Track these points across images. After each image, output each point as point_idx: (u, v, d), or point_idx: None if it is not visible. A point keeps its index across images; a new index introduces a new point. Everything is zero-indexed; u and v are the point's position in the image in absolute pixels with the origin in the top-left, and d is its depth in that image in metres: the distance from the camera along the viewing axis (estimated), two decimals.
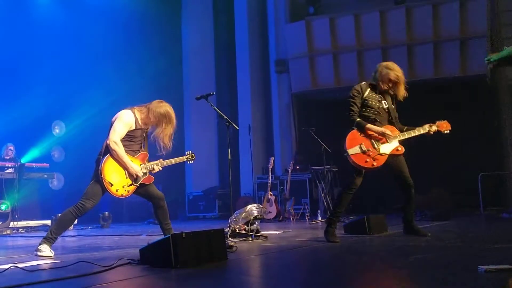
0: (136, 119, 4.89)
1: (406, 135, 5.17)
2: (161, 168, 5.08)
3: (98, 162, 4.80)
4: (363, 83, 5.34)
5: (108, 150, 4.78)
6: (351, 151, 5.07)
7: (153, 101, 5.02)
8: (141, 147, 5.03)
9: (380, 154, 5.07)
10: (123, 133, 4.81)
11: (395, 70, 5.19)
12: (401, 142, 5.17)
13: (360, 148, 5.07)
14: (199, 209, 12.22)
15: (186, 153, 5.45)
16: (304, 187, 10.97)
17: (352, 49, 12.04)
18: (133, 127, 4.88)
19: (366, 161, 5.05)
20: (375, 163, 5.05)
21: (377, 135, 5.11)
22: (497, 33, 11.41)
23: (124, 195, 4.89)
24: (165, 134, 4.89)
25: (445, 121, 5.30)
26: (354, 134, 5.15)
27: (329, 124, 11.22)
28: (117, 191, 4.81)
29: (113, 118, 4.87)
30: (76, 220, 7.07)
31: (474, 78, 11.24)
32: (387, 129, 5.13)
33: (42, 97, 11.29)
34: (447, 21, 11.40)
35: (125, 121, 4.83)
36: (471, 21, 11.22)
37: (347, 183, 5.22)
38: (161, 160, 5.08)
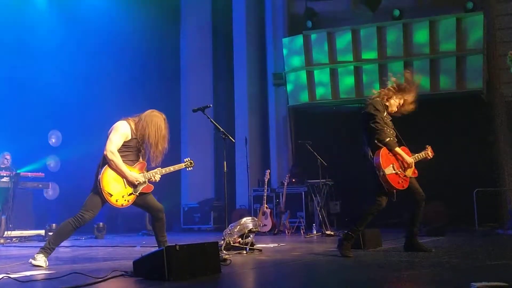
0: (131, 129, 4.95)
1: (416, 159, 5.28)
2: (160, 177, 5.10)
3: (97, 174, 4.81)
4: (376, 99, 5.34)
5: (106, 162, 4.79)
6: (387, 170, 5.03)
7: (146, 110, 5.09)
8: (138, 157, 5.04)
9: (405, 176, 5.13)
10: (119, 143, 4.85)
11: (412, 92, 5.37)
12: None
13: (393, 168, 5.07)
14: (194, 220, 12.17)
15: (185, 160, 5.47)
16: (299, 200, 10.95)
17: (349, 63, 12.10)
18: (129, 137, 4.93)
19: (399, 182, 5.07)
20: (404, 185, 5.11)
21: (401, 159, 5.13)
22: (494, 50, 11.51)
23: (124, 204, 4.90)
24: (154, 143, 4.94)
25: (429, 146, 5.47)
26: (386, 152, 5.10)
27: (325, 138, 11.26)
28: (116, 201, 4.82)
29: (109, 130, 4.92)
30: None
31: (470, 94, 11.31)
32: (410, 160, 5.16)
33: (39, 106, 11.30)
34: (444, 37, 11.50)
35: (121, 131, 4.88)
36: (468, 38, 11.31)
37: (374, 203, 5.12)
38: (160, 168, 5.12)
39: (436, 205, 10.03)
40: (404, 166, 5.13)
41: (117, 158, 4.79)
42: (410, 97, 5.37)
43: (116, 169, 4.80)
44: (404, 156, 5.13)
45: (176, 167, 5.30)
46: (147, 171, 5.05)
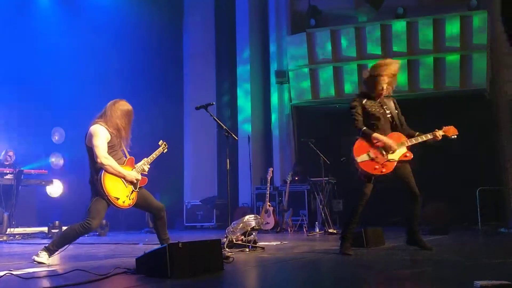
0: (106, 129, 4.89)
1: (414, 141, 5.16)
2: (149, 166, 5.12)
3: (93, 183, 4.77)
4: (356, 94, 5.43)
5: (99, 168, 4.75)
6: (359, 158, 5.04)
7: (107, 105, 5.04)
8: (123, 154, 5.04)
9: (389, 161, 5.04)
10: (106, 146, 4.80)
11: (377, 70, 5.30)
12: (409, 148, 5.18)
13: (368, 155, 5.04)
14: (196, 218, 12.16)
15: (159, 143, 5.41)
16: (302, 198, 10.94)
17: (353, 61, 12.08)
18: (109, 137, 4.87)
19: (375, 168, 5.01)
20: (384, 170, 5.02)
21: (383, 144, 5.08)
22: (497, 48, 11.47)
23: (130, 204, 4.91)
24: (129, 129, 5.00)
25: (452, 126, 5.30)
26: (361, 142, 5.12)
27: (328, 136, 11.25)
28: (124, 202, 4.82)
29: (87, 140, 4.85)
30: None
31: (474, 93, 11.29)
32: (391, 139, 5.10)
33: (42, 104, 11.31)
34: (448, 35, 11.46)
35: (102, 135, 4.82)
36: (472, 36, 11.28)
37: (358, 195, 5.14)
38: (145, 158, 5.14)
39: (439, 203, 10.02)
40: (385, 149, 5.05)
41: (112, 162, 4.76)
42: (388, 69, 5.30)
43: (113, 172, 4.76)
44: (384, 139, 5.05)
45: (157, 152, 5.29)
46: (136, 165, 5.06)
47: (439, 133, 5.21)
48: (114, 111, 4.96)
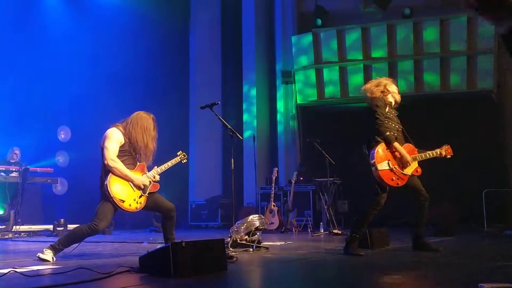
0: (123, 134, 4.97)
1: (423, 157, 5.18)
2: (159, 176, 5.14)
3: (102, 185, 4.83)
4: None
5: (108, 171, 4.81)
6: (380, 166, 4.96)
7: (133, 113, 5.13)
8: (136, 160, 5.08)
9: (404, 174, 5.03)
10: (116, 150, 4.87)
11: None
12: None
13: (388, 164, 4.99)
14: (201, 218, 12.17)
15: (178, 153, 5.48)
16: (307, 198, 10.92)
17: (359, 62, 12.05)
18: (123, 142, 4.95)
19: (392, 179, 4.97)
20: (399, 183, 5.00)
21: (399, 156, 5.04)
22: (504, 50, 11.39)
23: (138, 207, 4.94)
24: (144, 145, 4.99)
25: (449, 145, 5.37)
26: (382, 147, 5.04)
27: (334, 136, 11.22)
28: (130, 205, 4.85)
29: (102, 141, 4.94)
30: None
31: (480, 94, 11.24)
32: (409, 155, 5.08)
33: (49, 102, 11.35)
34: (455, 36, 11.42)
35: (114, 138, 4.90)
36: (479, 37, 11.23)
37: (372, 201, 5.08)
38: (156, 167, 5.16)
39: (445, 205, 9.97)
40: (402, 163, 5.05)
41: (119, 165, 4.82)
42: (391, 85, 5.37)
43: (120, 175, 4.82)
44: (403, 153, 5.03)
45: (173, 161, 5.34)
46: (148, 172, 5.10)
47: (443, 152, 5.30)
48: (134, 120, 5.05)
